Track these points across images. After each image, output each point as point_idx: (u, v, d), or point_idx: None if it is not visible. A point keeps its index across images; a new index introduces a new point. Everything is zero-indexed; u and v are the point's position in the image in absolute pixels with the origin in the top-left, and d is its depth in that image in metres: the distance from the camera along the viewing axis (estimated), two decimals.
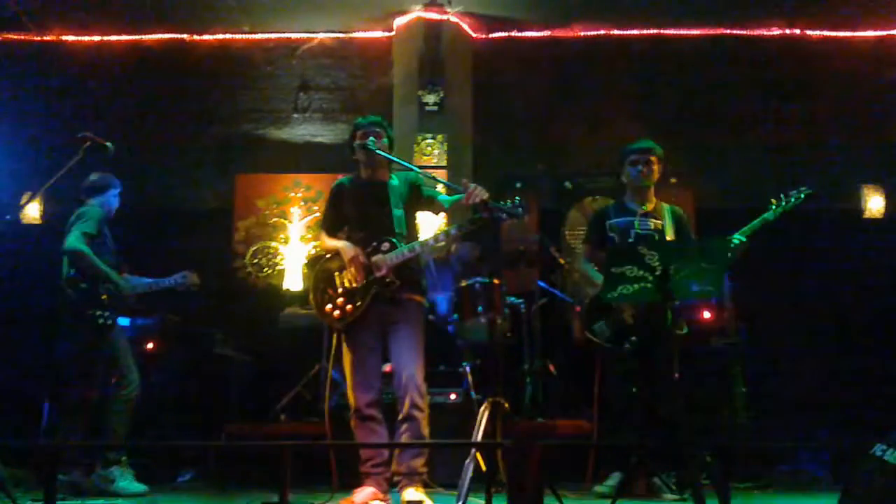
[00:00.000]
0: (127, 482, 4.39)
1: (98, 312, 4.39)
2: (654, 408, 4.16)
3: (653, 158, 4.41)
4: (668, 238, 4.28)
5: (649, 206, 4.41)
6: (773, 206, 4.19)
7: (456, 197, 3.82)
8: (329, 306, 3.85)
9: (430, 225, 6.12)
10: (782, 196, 4.21)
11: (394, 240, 3.84)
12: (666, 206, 4.44)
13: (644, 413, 4.18)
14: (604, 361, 4.38)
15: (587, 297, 4.44)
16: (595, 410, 4.59)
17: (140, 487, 4.40)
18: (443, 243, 3.98)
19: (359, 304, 3.81)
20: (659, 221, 4.36)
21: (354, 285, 3.82)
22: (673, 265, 3.35)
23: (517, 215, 3.61)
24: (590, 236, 4.57)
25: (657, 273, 3.37)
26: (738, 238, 4.13)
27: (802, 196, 4.19)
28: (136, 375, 4.58)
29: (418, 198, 4.03)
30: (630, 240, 4.30)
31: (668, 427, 4.13)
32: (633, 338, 4.15)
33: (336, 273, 3.87)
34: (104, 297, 4.46)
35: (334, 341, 4.78)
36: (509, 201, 3.62)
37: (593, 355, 4.45)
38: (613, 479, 4.20)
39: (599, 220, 4.50)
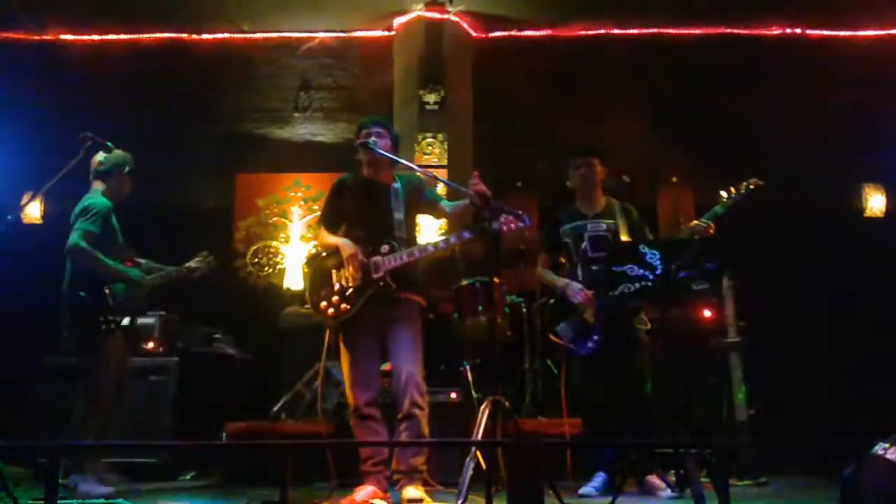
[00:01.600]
0: (91, 486, 4.20)
1: (101, 318, 4.26)
2: (618, 406, 4.20)
3: (594, 160, 4.49)
4: (621, 237, 4.34)
5: (599, 208, 4.47)
6: (724, 200, 4.20)
7: (458, 202, 3.83)
8: (324, 303, 3.86)
9: (429, 227, 6.14)
10: (732, 189, 4.22)
11: (393, 242, 3.84)
12: (616, 205, 4.49)
13: (616, 411, 4.21)
14: (568, 362, 4.42)
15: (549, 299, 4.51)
16: (564, 410, 4.62)
17: (103, 489, 4.20)
18: (443, 249, 4.00)
19: (354, 303, 3.81)
20: (611, 221, 4.40)
21: (351, 284, 3.82)
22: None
23: (522, 219, 3.62)
24: (544, 243, 4.60)
25: (656, 272, 3.40)
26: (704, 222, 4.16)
27: (752, 187, 4.20)
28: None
29: (420, 201, 4.02)
30: (583, 243, 4.35)
31: (638, 423, 4.17)
32: (596, 337, 4.17)
33: (333, 271, 3.87)
34: (109, 299, 4.31)
35: (327, 338, 4.80)
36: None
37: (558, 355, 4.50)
38: (597, 480, 4.21)
39: (553, 227, 4.54)
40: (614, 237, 4.34)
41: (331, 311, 3.84)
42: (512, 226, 3.65)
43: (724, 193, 4.20)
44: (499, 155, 6.69)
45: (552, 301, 4.47)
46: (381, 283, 3.80)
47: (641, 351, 4.28)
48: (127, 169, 4.56)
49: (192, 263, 4.72)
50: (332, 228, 4.04)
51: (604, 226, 4.40)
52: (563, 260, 5.70)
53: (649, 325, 4.31)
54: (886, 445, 2.68)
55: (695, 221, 4.19)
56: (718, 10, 6.71)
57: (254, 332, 6.16)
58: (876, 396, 5.49)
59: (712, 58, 6.84)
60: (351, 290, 3.82)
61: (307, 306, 4.05)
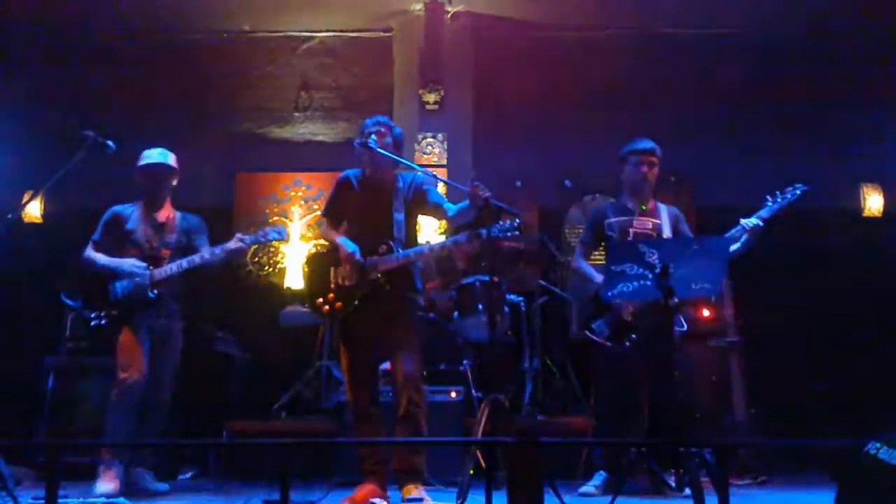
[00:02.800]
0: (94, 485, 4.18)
1: (93, 314, 4.34)
2: (654, 406, 4.18)
3: (654, 159, 4.45)
4: (664, 237, 4.31)
5: (647, 206, 4.44)
6: (769, 203, 4.19)
7: (461, 206, 3.83)
8: (320, 300, 3.89)
9: (429, 227, 6.14)
10: (777, 193, 4.21)
11: (392, 243, 3.85)
12: (663, 206, 4.47)
13: (643, 411, 4.20)
14: (603, 360, 4.39)
15: (585, 295, 4.47)
16: (593, 408, 4.61)
17: (105, 488, 4.14)
18: (439, 252, 4.00)
19: (348, 302, 3.83)
20: (657, 220, 4.38)
21: (347, 283, 3.84)
22: (672, 263, 3.39)
23: (515, 233, 3.65)
24: (587, 235, 4.59)
25: (658, 271, 3.40)
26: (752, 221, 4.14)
27: (798, 192, 4.19)
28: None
29: (423, 203, 4.02)
30: (628, 239, 4.32)
31: (668, 425, 4.15)
32: (633, 336, 4.16)
33: (332, 268, 3.89)
34: (110, 295, 4.36)
35: (320, 335, 4.79)
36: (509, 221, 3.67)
37: (591, 353, 4.46)
38: (598, 479, 4.21)
39: (597, 220, 4.52)
40: (659, 237, 4.32)
41: (326, 307, 3.87)
42: (509, 234, 3.66)
43: (769, 198, 4.19)
44: (499, 155, 6.69)
45: (590, 297, 4.42)
46: (377, 284, 3.81)
47: (676, 354, 4.24)
48: (139, 164, 4.59)
49: (262, 236, 4.48)
50: (335, 223, 4.05)
51: (650, 224, 4.38)
52: (562, 259, 5.78)
53: (685, 327, 4.28)
54: (878, 445, 2.69)
55: (750, 220, 4.15)
56: (718, 11, 6.71)
57: (254, 331, 6.16)
58: (875, 395, 5.51)
59: (712, 57, 6.84)
60: (347, 288, 3.84)
61: (307, 305, 4.08)
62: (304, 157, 6.98)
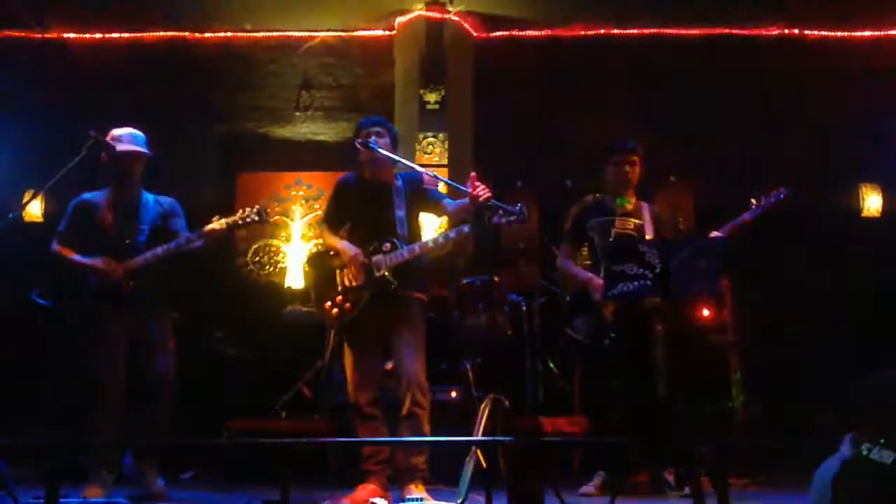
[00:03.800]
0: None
1: (66, 314, 4.20)
2: (635, 404, 4.20)
3: (635, 158, 4.45)
4: (647, 237, 4.31)
5: (629, 206, 4.44)
6: (752, 207, 4.20)
7: (460, 202, 3.84)
8: (328, 303, 3.89)
9: (432, 226, 6.14)
10: (762, 197, 4.22)
11: (395, 240, 3.86)
12: (645, 205, 4.47)
13: (624, 409, 4.21)
14: (583, 358, 4.41)
15: (568, 293, 4.50)
16: (576, 407, 4.61)
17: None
18: (443, 246, 4.01)
19: (357, 303, 3.84)
20: (638, 221, 4.39)
21: (354, 284, 3.85)
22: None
23: (520, 215, 3.63)
24: (568, 235, 4.59)
25: (658, 270, 3.41)
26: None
27: (781, 197, 4.20)
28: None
29: (422, 199, 4.04)
30: (609, 239, 4.34)
31: (650, 423, 4.17)
32: (612, 334, 4.17)
33: (337, 271, 3.90)
34: (82, 293, 4.14)
35: (331, 339, 4.78)
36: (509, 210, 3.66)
37: (574, 351, 4.49)
38: (597, 479, 4.22)
39: (579, 220, 4.52)
40: (640, 237, 4.32)
41: (335, 311, 3.87)
42: (512, 219, 3.66)
43: (753, 201, 4.20)
44: (499, 155, 6.70)
45: (570, 295, 4.45)
46: (383, 281, 3.82)
47: (657, 350, 4.26)
48: (113, 149, 4.26)
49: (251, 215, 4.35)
50: (336, 227, 4.08)
51: (631, 224, 4.39)
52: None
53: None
54: (870, 446, 2.70)
55: (716, 233, 4.16)
56: (718, 10, 6.72)
57: (254, 330, 6.17)
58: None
59: (711, 57, 6.85)
60: (354, 290, 3.84)
61: (309, 305, 4.08)
62: (305, 157, 6.99)
